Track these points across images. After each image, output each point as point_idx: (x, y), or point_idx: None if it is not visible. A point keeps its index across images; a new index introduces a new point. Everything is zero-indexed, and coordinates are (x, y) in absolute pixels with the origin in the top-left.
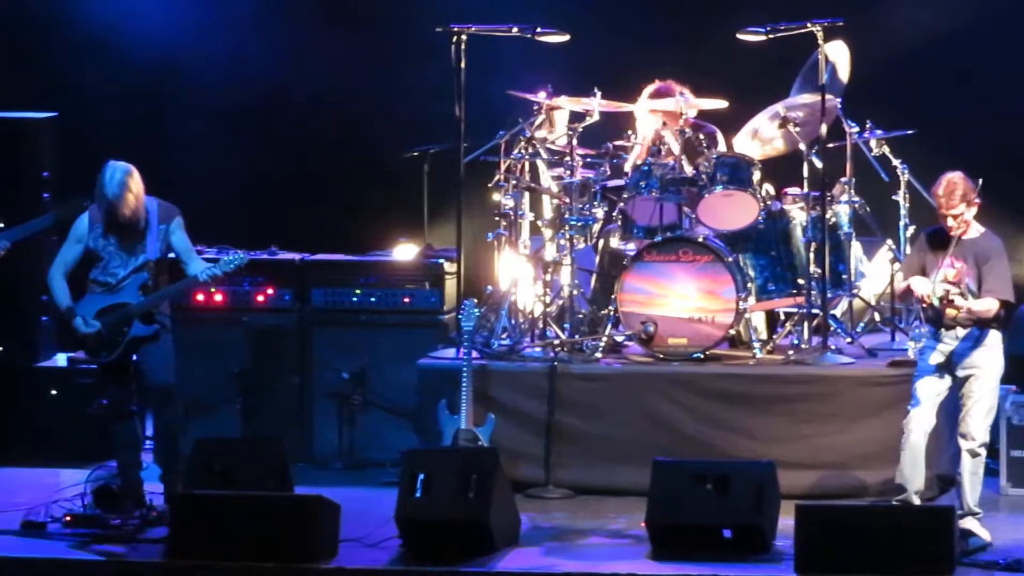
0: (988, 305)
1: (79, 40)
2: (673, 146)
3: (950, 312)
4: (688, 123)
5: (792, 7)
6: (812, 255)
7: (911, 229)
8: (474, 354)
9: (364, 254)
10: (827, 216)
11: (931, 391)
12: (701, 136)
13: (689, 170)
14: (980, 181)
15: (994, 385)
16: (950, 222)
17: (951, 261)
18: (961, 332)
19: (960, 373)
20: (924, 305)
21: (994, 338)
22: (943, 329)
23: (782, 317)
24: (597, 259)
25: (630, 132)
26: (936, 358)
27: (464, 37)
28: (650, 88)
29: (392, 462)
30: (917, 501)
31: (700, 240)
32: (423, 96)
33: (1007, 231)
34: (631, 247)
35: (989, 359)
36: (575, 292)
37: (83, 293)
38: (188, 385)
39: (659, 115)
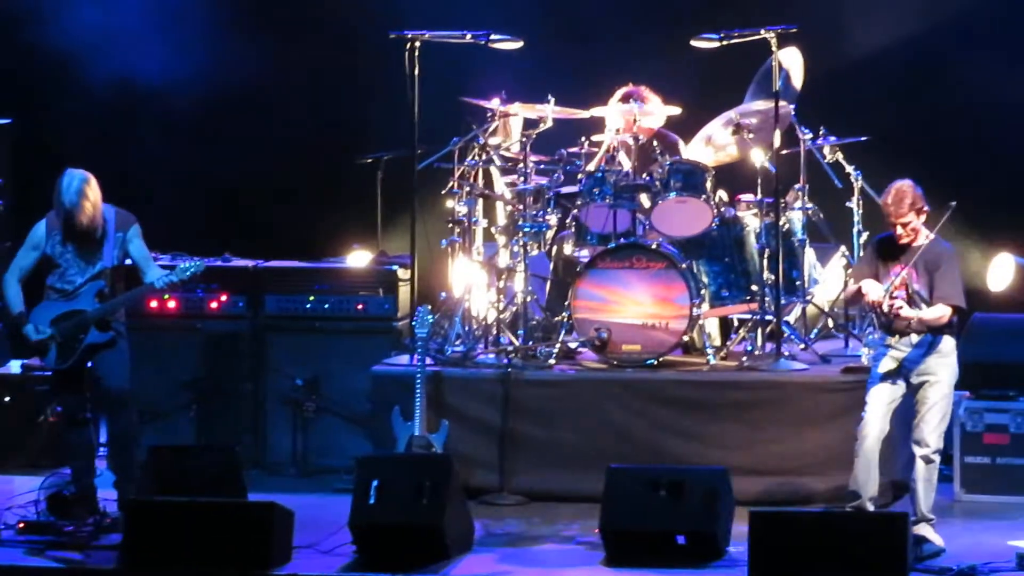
0: (939, 312)
1: (37, 48)
2: (624, 161)
3: (900, 322)
4: (649, 131)
5: (746, 14)
6: (766, 261)
7: (864, 236)
8: (428, 361)
9: (318, 261)
10: (781, 223)
11: (885, 398)
12: (655, 143)
13: (643, 176)
14: (953, 204)
15: (948, 392)
16: (899, 230)
17: (899, 269)
18: (915, 339)
19: (914, 380)
20: (876, 311)
21: (948, 344)
22: (897, 336)
23: (736, 323)
24: (551, 266)
25: (583, 139)
26: (890, 365)
27: (418, 44)
28: (620, 91)
29: (346, 468)
30: (871, 507)
31: (654, 247)
32: (377, 102)
33: (959, 238)
34: (585, 254)
35: (943, 366)
36: (529, 299)
37: (41, 300)
38: (142, 392)
39: (624, 119)
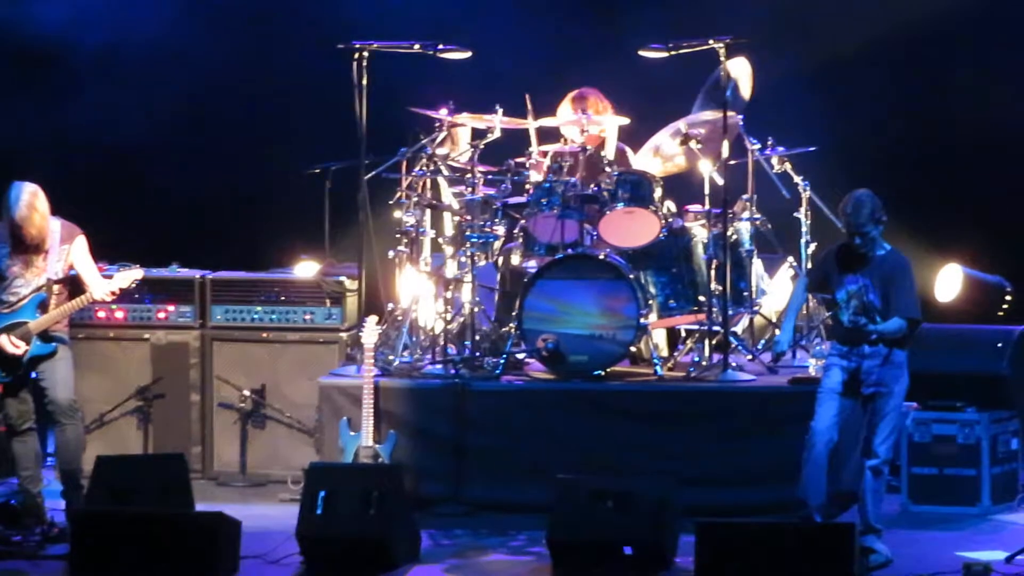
0: (896, 327)
1: None
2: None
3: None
4: (597, 141)
5: (694, 24)
6: (713, 272)
7: (812, 246)
8: (375, 371)
9: (265, 271)
10: (728, 233)
11: (834, 408)
12: (603, 153)
13: (591, 187)
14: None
15: (899, 403)
16: (857, 240)
17: (853, 278)
18: (868, 350)
19: (866, 391)
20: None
21: (900, 356)
22: (849, 346)
23: (683, 334)
24: (499, 277)
25: (531, 150)
26: (841, 375)
27: (366, 54)
28: (572, 94)
29: (293, 479)
30: (818, 518)
31: (601, 257)
32: (324, 112)
33: (911, 247)
34: (532, 264)
35: (896, 378)
36: (476, 309)
37: None
38: (89, 402)
39: (574, 126)
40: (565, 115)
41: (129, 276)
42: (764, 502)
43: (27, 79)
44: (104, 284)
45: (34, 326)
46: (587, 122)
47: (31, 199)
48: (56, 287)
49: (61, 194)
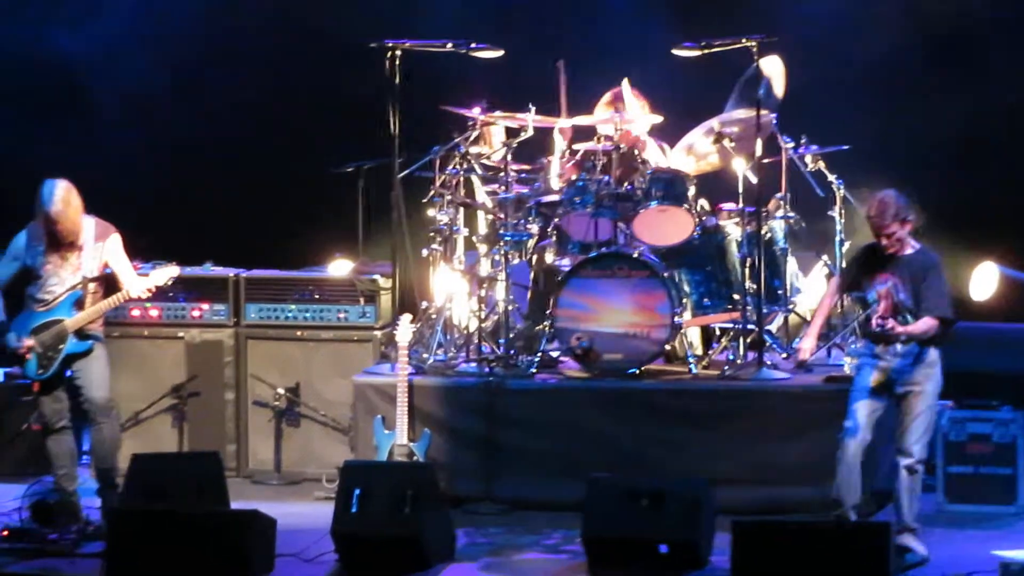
0: (926, 326)
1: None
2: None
3: (889, 334)
4: (631, 138)
5: (728, 22)
6: (747, 270)
7: (847, 244)
8: (409, 369)
9: (299, 270)
10: (762, 231)
11: (867, 407)
12: (636, 151)
13: (625, 185)
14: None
15: (933, 402)
16: (884, 241)
17: (883, 279)
18: (900, 349)
19: (899, 390)
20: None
21: (933, 355)
22: (881, 345)
23: (717, 332)
24: (532, 275)
25: (567, 147)
26: (874, 375)
27: (399, 53)
28: (609, 93)
29: (327, 477)
30: (854, 516)
31: (635, 256)
32: (358, 111)
33: (947, 245)
34: (566, 263)
35: (928, 376)
36: (510, 308)
37: (21, 309)
38: (124, 400)
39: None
40: (601, 114)
41: (165, 273)
42: (799, 501)
43: (65, 89)
44: (140, 281)
45: (70, 324)
46: (621, 121)
47: (65, 194)
48: (92, 285)
49: (95, 193)
